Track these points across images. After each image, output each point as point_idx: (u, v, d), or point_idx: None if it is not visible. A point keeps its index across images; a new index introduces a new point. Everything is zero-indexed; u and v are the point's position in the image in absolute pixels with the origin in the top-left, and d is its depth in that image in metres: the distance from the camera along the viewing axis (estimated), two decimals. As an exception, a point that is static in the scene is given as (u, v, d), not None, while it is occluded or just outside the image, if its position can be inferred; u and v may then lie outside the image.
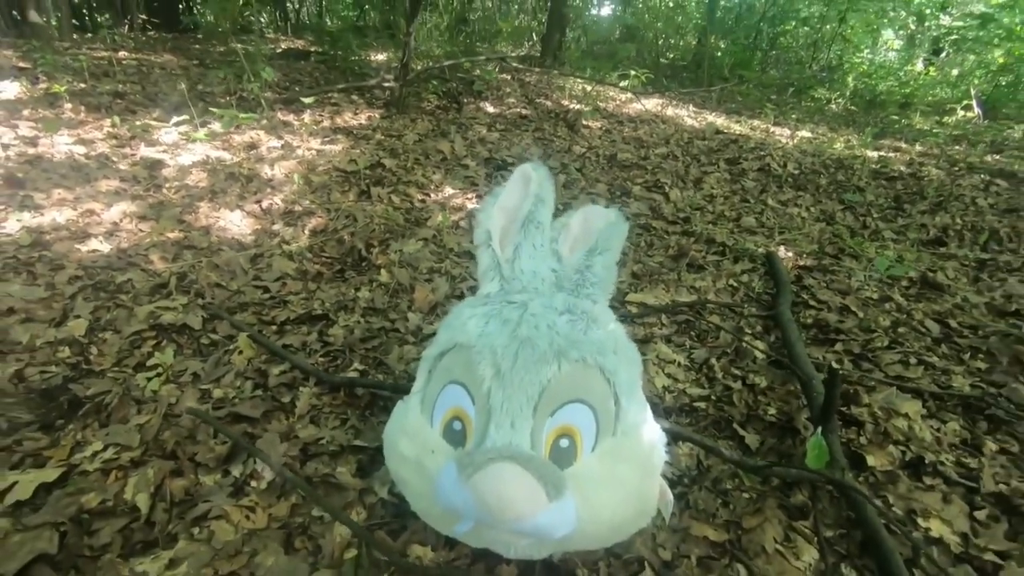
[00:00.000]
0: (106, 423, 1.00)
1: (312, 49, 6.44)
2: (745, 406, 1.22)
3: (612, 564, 0.84)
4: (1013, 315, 1.81)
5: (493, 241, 0.82)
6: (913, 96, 9.43)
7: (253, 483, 0.91)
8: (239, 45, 5.21)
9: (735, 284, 1.79)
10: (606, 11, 14.08)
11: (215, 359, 1.19)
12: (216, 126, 2.73)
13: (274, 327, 1.33)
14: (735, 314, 1.60)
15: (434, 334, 0.79)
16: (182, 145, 2.54)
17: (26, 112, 2.88)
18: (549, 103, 4.72)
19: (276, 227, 1.81)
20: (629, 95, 5.58)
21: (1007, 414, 1.27)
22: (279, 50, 6.06)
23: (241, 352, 1.21)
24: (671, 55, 12.94)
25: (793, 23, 12.31)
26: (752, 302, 1.69)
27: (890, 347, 1.53)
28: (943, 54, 11.22)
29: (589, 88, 5.60)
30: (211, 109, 2.71)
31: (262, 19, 7.00)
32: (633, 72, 5.20)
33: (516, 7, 12.82)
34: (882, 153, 4.82)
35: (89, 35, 6.60)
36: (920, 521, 0.97)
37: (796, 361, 1.32)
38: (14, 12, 7.02)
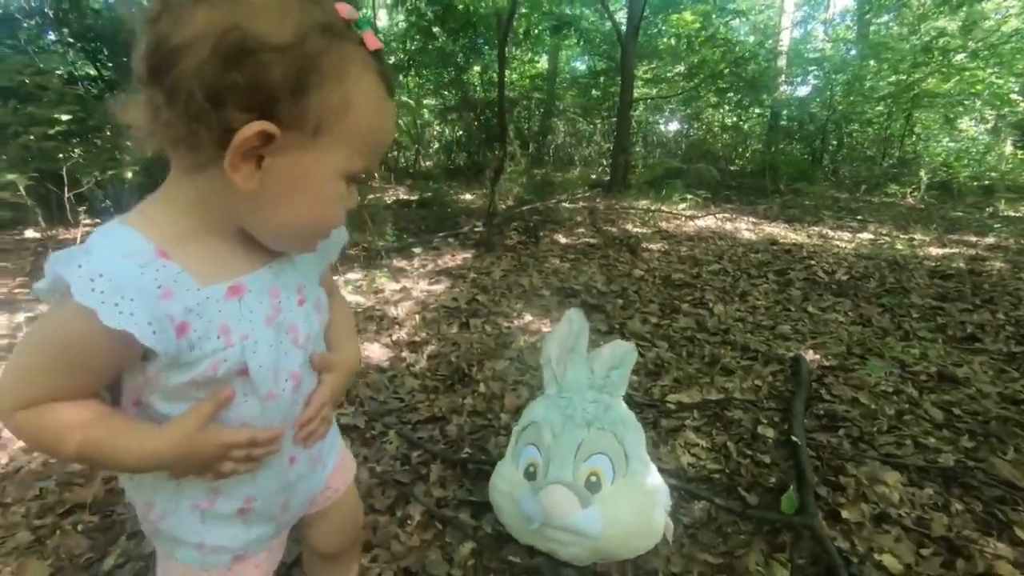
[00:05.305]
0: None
1: (413, 198, 7.71)
2: (751, 476, 1.62)
3: (636, 572, 1.28)
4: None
5: (552, 363, 1.39)
6: (998, 181, 9.24)
7: (409, 520, 1.46)
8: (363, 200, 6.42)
9: (760, 384, 2.20)
10: (674, 126, 15.12)
11: (375, 447, 1.80)
12: (352, 276, 3.60)
13: (410, 426, 1.93)
14: (755, 408, 2.01)
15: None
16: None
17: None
18: (615, 229, 5.40)
19: (404, 354, 2.48)
20: (686, 215, 6.19)
21: (978, 482, 1.57)
22: (390, 201, 7.32)
23: (391, 442, 1.80)
24: (738, 163, 13.61)
25: (858, 124, 12.55)
26: (772, 399, 2.09)
27: (889, 431, 1.86)
28: (1037, 135, 10.98)
29: (652, 210, 6.30)
30: (353, 267, 3.60)
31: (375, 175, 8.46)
32: (689, 196, 5.85)
33: (587, 139, 14.19)
34: (946, 250, 4.96)
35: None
36: (875, 555, 1.32)
37: (794, 445, 1.71)
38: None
